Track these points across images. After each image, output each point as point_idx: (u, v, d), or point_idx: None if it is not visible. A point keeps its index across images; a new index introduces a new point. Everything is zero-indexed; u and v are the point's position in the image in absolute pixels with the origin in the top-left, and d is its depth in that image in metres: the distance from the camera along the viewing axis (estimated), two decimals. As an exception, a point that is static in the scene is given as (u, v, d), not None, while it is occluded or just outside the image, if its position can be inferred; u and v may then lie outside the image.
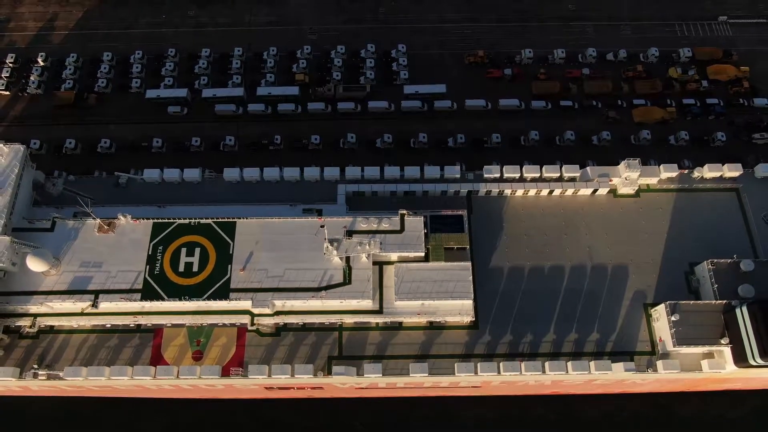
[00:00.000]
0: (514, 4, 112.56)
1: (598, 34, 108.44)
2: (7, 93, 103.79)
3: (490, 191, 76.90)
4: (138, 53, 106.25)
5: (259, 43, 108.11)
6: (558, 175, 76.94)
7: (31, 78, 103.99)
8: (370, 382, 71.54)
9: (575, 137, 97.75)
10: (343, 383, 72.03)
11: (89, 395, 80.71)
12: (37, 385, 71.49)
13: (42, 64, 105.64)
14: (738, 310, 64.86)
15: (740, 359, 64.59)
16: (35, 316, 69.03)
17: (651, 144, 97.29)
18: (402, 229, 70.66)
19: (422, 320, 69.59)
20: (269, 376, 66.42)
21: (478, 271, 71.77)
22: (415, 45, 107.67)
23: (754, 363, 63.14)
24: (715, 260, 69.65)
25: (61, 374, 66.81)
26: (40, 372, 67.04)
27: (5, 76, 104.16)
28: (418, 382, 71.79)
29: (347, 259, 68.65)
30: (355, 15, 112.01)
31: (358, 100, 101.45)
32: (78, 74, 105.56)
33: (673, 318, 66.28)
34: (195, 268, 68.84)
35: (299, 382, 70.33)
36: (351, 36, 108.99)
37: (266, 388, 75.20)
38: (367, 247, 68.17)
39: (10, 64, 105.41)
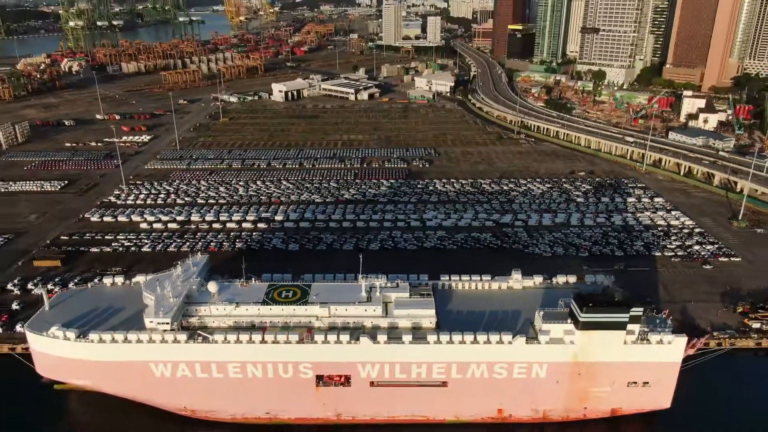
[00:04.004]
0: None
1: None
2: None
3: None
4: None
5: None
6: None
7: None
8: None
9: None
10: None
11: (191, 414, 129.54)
12: (186, 357, 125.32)
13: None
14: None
15: (576, 324, 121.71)
16: (201, 317, 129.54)
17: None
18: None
19: (408, 324, 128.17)
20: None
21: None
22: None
23: (580, 318, 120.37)
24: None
25: (211, 338, 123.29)
26: (201, 334, 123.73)
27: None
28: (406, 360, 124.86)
29: (369, 290, 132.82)
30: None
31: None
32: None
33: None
34: (290, 297, 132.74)
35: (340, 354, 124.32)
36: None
37: (317, 376, 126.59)
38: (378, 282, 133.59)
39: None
